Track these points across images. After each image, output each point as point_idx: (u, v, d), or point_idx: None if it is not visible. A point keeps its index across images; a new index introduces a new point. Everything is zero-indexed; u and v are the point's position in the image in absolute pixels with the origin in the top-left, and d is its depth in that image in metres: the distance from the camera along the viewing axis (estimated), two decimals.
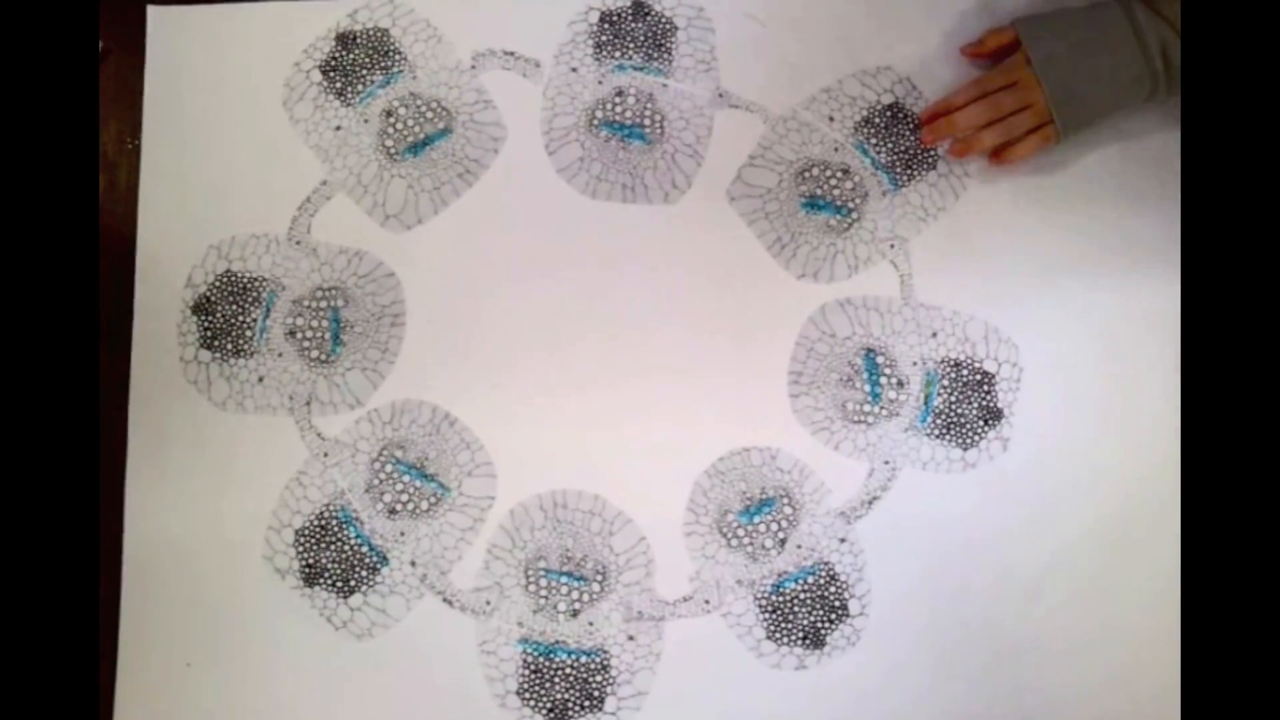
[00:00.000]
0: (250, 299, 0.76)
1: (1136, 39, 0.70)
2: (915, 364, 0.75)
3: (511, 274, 0.76)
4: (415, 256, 0.76)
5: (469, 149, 0.77)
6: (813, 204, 0.77)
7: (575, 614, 0.72)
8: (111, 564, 0.72)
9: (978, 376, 0.74)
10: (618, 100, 0.78)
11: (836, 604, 0.72)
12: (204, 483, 0.73)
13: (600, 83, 0.78)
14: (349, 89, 0.78)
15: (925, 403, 0.74)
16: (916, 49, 0.78)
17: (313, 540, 0.73)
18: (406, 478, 0.74)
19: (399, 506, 0.73)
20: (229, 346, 0.75)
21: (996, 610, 0.72)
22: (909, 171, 0.77)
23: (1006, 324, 0.75)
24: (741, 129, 0.78)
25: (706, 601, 0.72)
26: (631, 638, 0.72)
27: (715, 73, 0.78)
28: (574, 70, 0.78)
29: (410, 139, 0.77)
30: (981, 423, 0.74)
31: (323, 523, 0.73)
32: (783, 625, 0.72)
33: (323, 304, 0.76)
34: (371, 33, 0.79)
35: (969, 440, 0.74)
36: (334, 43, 0.79)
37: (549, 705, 0.71)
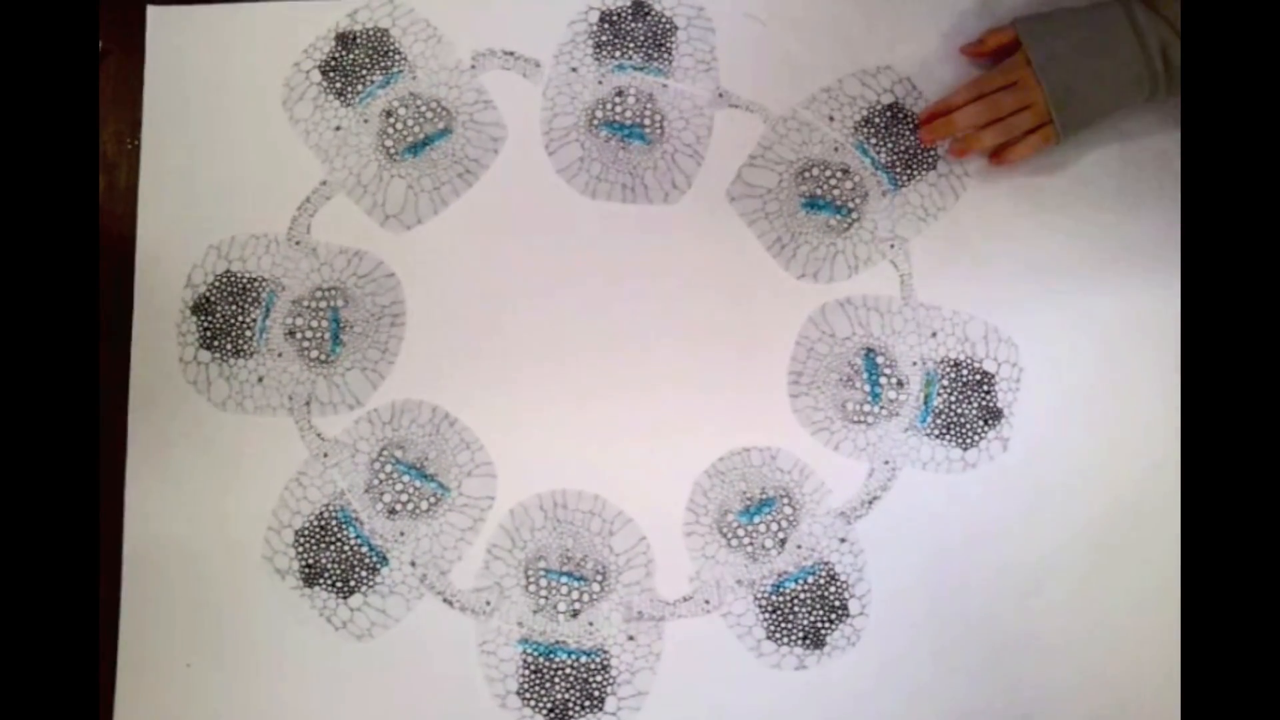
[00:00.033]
0: (250, 299, 0.76)
1: (1137, 39, 0.70)
2: (915, 364, 0.75)
3: (511, 274, 0.76)
4: (415, 257, 0.76)
5: (469, 149, 0.77)
6: (813, 204, 0.77)
7: (575, 614, 0.72)
8: (111, 564, 0.72)
9: (977, 376, 0.74)
10: (618, 100, 0.78)
11: (836, 604, 0.72)
12: (204, 483, 0.73)
13: (600, 83, 0.78)
14: (349, 89, 0.78)
15: (925, 403, 0.74)
16: (916, 49, 0.78)
17: (312, 540, 0.73)
18: (406, 478, 0.74)
19: (399, 507, 0.73)
20: (229, 347, 0.75)
21: (996, 609, 0.72)
22: (909, 171, 0.77)
23: (1006, 324, 0.75)
24: (741, 129, 0.78)
25: (706, 601, 0.72)
26: (631, 638, 0.72)
27: (715, 73, 0.78)
28: (574, 70, 0.78)
29: (410, 139, 0.77)
30: (981, 423, 0.74)
31: (322, 523, 0.73)
32: (783, 625, 0.72)
33: (322, 304, 0.76)
34: (371, 33, 0.79)
35: (969, 440, 0.74)
36: (334, 43, 0.79)
37: (549, 705, 0.71)
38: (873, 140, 0.77)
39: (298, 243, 0.76)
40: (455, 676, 0.71)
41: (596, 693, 0.71)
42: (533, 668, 0.71)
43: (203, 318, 0.75)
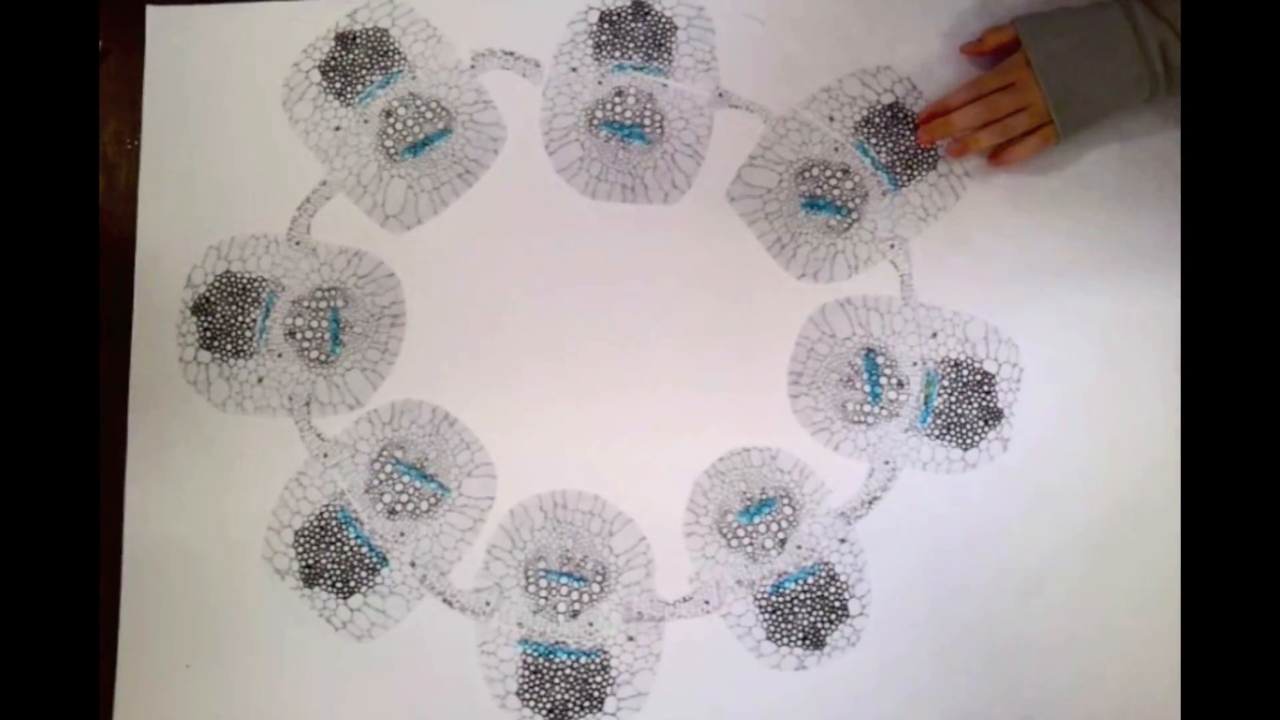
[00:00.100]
0: (250, 299, 0.76)
1: (1136, 40, 0.70)
2: (915, 364, 0.75)
3: (511, 274, 0.76)
4: (415, 257, 0.76)
5: (469, 149, 0.77)
6: (813, 204, 0.77)
7: (575, 614, 0.72)
8: (111, 564, 0.72)
9: (978, 377, 0.74)
10: (618, 100, 0.78)
11: (836, 604, 0.72)
12: (204, 483, 0.73)
13: (600, 83, 0.78)
14: (349, 89, 0.78)
15: (925, 403, 0.74)
16: (917, 49, 0.78)
17: (312, 541, 0.73)
18: (406, 478, 0.74)
19: (399, 507, 0.73)
20: (228, 347, 0.75)
21: (996, 610, 0.72)
22: (909, 171, 0.77)
23: (1006, 324, 0.75)
24: (741, 129, 0.78)
25: (706, 602, 0.72)
26: (631, 638, 0.72)
27: (715, 73, 0.78)
28: (574, 70, 0.78)
29: (410, 139, 0.77)
30: (981, 423, 0.74)
31: (322, 523, 0.73)
32: (783, 626, 0.72)
33: (322, 304, 0.76)
34: (371, 33, 0.79)
35: (969, 440, 0.74)
36: (333, 43, 0.79)
37: (549, 706, 0.71)
38: (873, 140, 0.77)
39: (298, 243, 0.76)
40: (455, 677, 0.71)
41: (596, 693, 0.71)
42: (532, 668, 0.71)
43: (203, 318, 0.75)
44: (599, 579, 0.72)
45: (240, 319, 0.75)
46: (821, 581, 0.72)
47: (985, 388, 0.74)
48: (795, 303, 0.75)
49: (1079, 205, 0.76)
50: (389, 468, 0.74)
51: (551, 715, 0.71)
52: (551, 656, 0.71)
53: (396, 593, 0.72)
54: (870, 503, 0.73)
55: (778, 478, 0.73)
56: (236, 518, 0.73)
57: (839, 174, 0.77)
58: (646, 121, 0.78)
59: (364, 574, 0.73)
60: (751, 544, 0.73)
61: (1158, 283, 0.74)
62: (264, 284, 0.76)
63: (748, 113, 0.78)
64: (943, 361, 0.75)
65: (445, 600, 0.72)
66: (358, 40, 0.79)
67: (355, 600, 0.72)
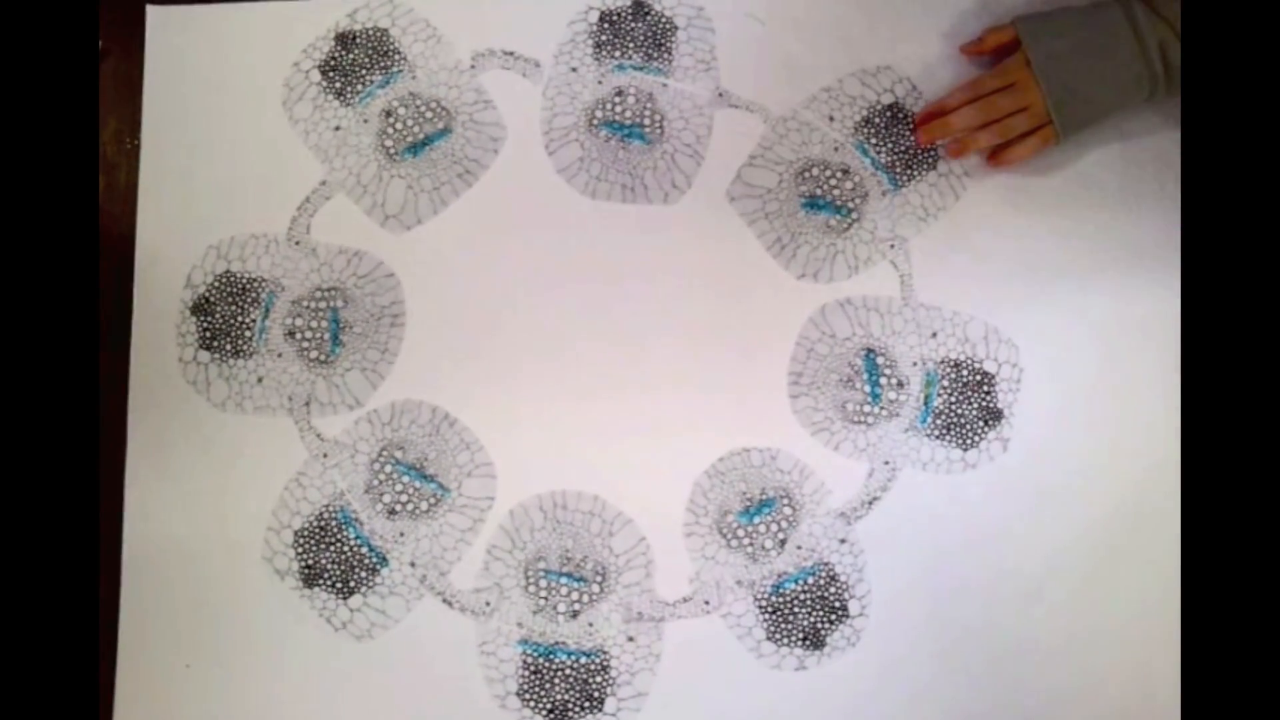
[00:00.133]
0: (249, 299, 0.76)
1: (1136, 40, 0.70)
2: (915, 364, 0.75)
3: (511, 274, 0.76)
4: (415, 257, 0.76)
5: (469, 149, 0.77)
6: (813, 204, 0.77)
7: (575, 615, 0.72)
8: (111, 564, 0.72)
9: (978, 377, 0.74)
10: (618, 100, 0.78)
11: (836, 605, 0.72)
12: (203, 483, 0.73)
13: (600, 82, 0.78)
14: (348, 89, 0.78)
15: (925, 403, 0.74)
16: (917, 48, 0.78)
17: (312, 541, 0.73)
18: (406, 478, 0.74)
19: (399, 507, 0.73)
20: (228, 347, 0.75)
21: (996, 610, 0.72)
22: (909, 171, 0.77)
23: (1006, 324, 0.75)
24: (741, 129, 0.78)
25: (706, 602, 0.72)
26: (631, 639, 0.72)
27: (715, 72, 0.78)
28: (574, 70, 0.78)
29: (410, 139, 0.77)
30: (981, 423, 0.74)
31: (322, 523, 0.73)
32: (783, 626, 0.72)
33: (322, 304, 0.76)
34: (371, 32, 0.79)
35: (969, 441, 0.74)
36: (333, 42, 0.79)
37: (549, 706, 0.71)
38: (873, 140, 0.77)
39: (297, 243, 0.76)
40: (455, 677, 0.71)
41: (596, 693, 0.71)
42: (532, 668, 0.71)
43: (202, 318, 0.75)
44: (599, 579, 0.72)
45: (240, 319, 0.75)
46: (821, 582, 0.72)
47: (985, 388, 0.74)
48: (795, 303, 0.75)
49: (1079, 205, 0.76)
50: (389, 468, 0.74)
51: (551, 715, 0.71)
52: (551, 657, 0.71)
53: (396, 593, 0.72)
54: (870, 503, 0.73)
55: (778, 478, 0.73)
56: (236, 518, 0.73)
57: (839, 174, 0.77)
58: (646, 121, 0.78)
59: (364, 574, 0.73)
60: (751, 544, 0.73)
61: (1158, 283, 0.74)
62: (264, 284, 0.76)
63: (748, 113, 0.78)
64: (943, 362, 0.75)
65: (445, 600, 0.72)
66: (358, 40, 0.79)
67: (355, 600, 0.72)
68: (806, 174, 0.77)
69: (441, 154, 0.77)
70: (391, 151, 0.77)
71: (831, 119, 0.78)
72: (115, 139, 0.77)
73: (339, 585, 0.72)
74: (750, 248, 0.76)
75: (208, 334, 0.75)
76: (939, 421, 0.74)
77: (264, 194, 0.77)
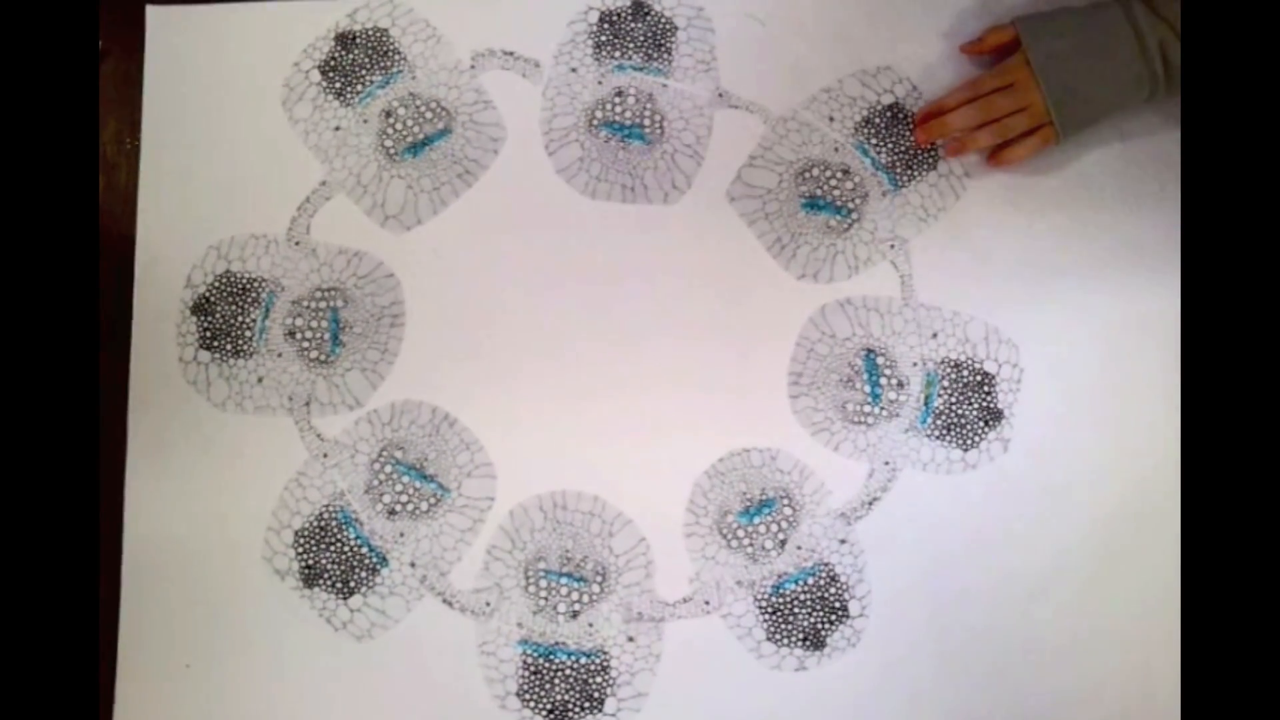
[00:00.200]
0: (249, 299, 0.76)
1: (1137, 40, 0.70)
2: (915, 365, 0.75)
3: (511, 274, 0.76)
4: (415, 257, 0.76)
5: (469, 149, 0.77)
6: (813, 204, 0.77)
7: (575, 615, 0.72)
8: (111, 564, 0.72)
9: (978, 377, 0.74)
10: (617, 100, 0.78)
11: (837, 605, 0.72)
12: (203, 483, 0.73)
13: (600, 83, 0.78)
14: (348, 89, 0.78)
15: (925, 403, 0.74)
16: (917, 49, 0.78)
17: (312, 541, 0.73)
18: (406, 478, 0.74)
19: (399, 507, 0.73)
20: (228, 347, 0.75)
21: (997, 611, 0.72)
22: (909, 172, 0.77)
23: (1007, 325, 0.75)
24: (741, 129, 0.78)
25: (706, 603, 0.72)
26: (631, 639, 0.72)
27: (715, 73, 0.78)
28: (574, 70, 0.78)
29: (410, 139, 0.77)
30: (982, 423, 0.74)
31: (322, 523, 0.73)
32: (783, 626, 0.72)
33: (322, 304, 0.76)
34: (371, 33, 0.79)
35: (969, 441, 0.74)
36: (333, 43, 0.79)
37: (549, 706, 0.71)
38: (873, 141, 0.77)
39: (297, 243, 0.76)
40: (455, 677, 0.71)
41: (596, 694, 0.71)
42: (532, 669, 0.71)
43: (202, 318, 0.75)
44: (599, 579, 0.72)
45: (240, 319, 0.75)
46: (822, 582, 0.72)
47: (985, 388, 0.74)
48: (795, 303, 0.75)
49: (1080, 205, 0.76)
50: (389, 468, 0.74)
51: (551, 716, 0.71)
52: (551, 657, 0.71)
53: (396, 593, 0.72)
54: (870, 503, 0.73)
55: (778, 478, 0.73)
56: (236, 518, 0.73)
57: (839, 174, 0.77)
58: (646, 122, 0.78)
59: (364, 574, 0.73)
60: (751, 545, 0.73)
61: (1158, 283, 0.74)
62: (264, 284, 0.76)
63: (748, 113, 0.78)
64: (943, 362, 0.75)
65: (445, 601, 0.72)
66: (358, 40, 0.79)
67: (355, 600, 0.72)
68: (806, 174, 0.77)
69: (441, 154, 0.77)
70: (391, 152, 0.77)
71: (831, 119, 0.78)
72: (115, 139, 0.77)
73: (339, 585, 0.72)
74: (750, 248, 0.76)
75: (208, 334, 0.75)
76: (939, 422, 0.74)
77: (264, 194, 0.77)
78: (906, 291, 0.75)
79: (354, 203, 0.77)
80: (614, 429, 0.74)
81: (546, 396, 0.74)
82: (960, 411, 0.74)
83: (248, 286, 0.76)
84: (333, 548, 0.73)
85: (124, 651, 0.71)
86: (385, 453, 0.74)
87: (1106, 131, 0.76)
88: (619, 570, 0.72)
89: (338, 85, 0.78)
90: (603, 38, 0.79)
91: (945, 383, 0.74)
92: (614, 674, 0.71)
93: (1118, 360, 0.74)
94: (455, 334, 0.75)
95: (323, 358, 0.75)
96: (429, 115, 0.78)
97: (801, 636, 0.71)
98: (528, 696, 0.71)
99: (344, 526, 0.73)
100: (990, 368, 0.74)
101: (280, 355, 0.75)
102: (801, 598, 0.72)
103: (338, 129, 0.78)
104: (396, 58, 0.79)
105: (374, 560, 0.73)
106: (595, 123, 0.78)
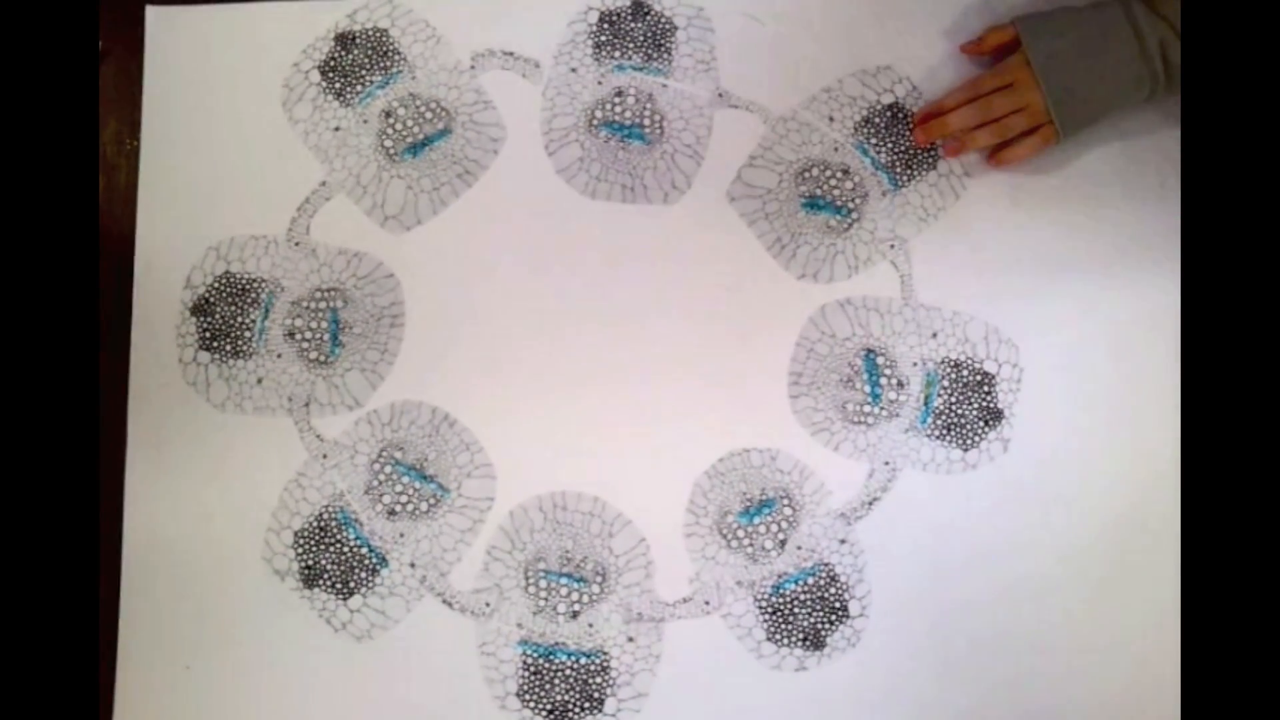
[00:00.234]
0: (249, 300, 0.76)
1: (1136, 39, 0.70)
2: (915, 365, 0.75)
3: (511, 275, 0.76)
4: (415, 258, 0.76)
5: (468, 149, 0.77)
6: (813, 204, 0.77)
7: (575, 615, 0.72)
8: (111, 564, 0.72)
9: (978, 377, 0.74)
10: (617, 100, 0.78)
11: (837, 605, 0.72)
12: (203, 484, 0.73)
13: (600, 83, 0.78)
14: (348, 89, 0.78)
15: (925, 403, 0.74)
16: (917, 49, 0.78)
17: (312, 542, 0.73)
18: (406, 479, 0.74)
19: (398, 508, 0.73)
20: (228, 348, 0.75)
21: (997, 611, 0.72)
22: (909, 171, 0.77)
23: (1007, 324, 0.75)
24: (741, 129, 0.78)
25: (706, 603, 0.72)
26: (631, 639, 0.72)
27: (715, 73, 0.78)
28: (573, 70, 0.78)
29: (410, 139, 0.77)
30: (982, 423, 0.74)
31: (322, 524, 0.73)
32: (783, 627, 0.72)
33: (322, 305, 0.76)
34: (370, 33, 0.79)
35: (969, 441, 0.74)
36: (333, 43, 0.79)
37: (549, 707, 0.71)
38: (873, 140, 0.77)
39: (297, 244, 0.76)
40: (455, 678, 0.71)
41: (596, 694, 0.71)
42: (532, 669, 0.71)
43: (202, 319, 0.75)
44: (599, 580, 0.72)
45: (239, 320, 0.75)
46: (822, 582, 0.72)
47: (985, 388, 0.74)
48: (795, 303, 0.75)
49: (1080, 204, 0.76)
50: (388, 468, 0.74)
51: (551, 716, 0.71)
52: (551, 657, 0.71)
53: (396, 594, 0.72)
54: (870, 503, 0.73)
55: (778, 478, 0.73)
56: (236, 519, 0.73)
57: (839, 174, 0.77)
58: (646, 122, 0.78)
59: (364, 575, 0.72)
60: (751, 545, 0.73)
61: (1159, 282, 0.74)
62: (263, 285, 0.76)
63: (748, 113, 0.78)
64: (943, 362, 0.75)
65: (445, 601, 0.72)
66: (357, 41, 0.79)
67: (355, 601, 0.72)
68: (806, 174, 0.77)
69: (441, 154, 0.77)
70: (391, 152, 0.77)
71: (831, 119, 0.78)
72: (115, 139, 0.77)
73: (339, 586, 0.72)
74: (750, 248, 0.76)
75: (207, 335, 0.75)
76: (939, 422, 0.74)
77: (264, 195, 0.77)
78: (906, 291, 0.75)
79: (354, 203, 0.77)
80: (614, 427, 0.74)
81: (546, 396, 0.74)
82: (960, 411, 0.74)
83: (247, 287, 0.76)
84: (332, 548, 0.73)
85: (124, 651, 0.71)
86: (385, 453, 0.74)
87: (1106, 130, 0.76)
88: (619, 570, 0.72)
89: (338, 85, 0.78)
90: (602, 38, 0.79)
91: (945, 383, 0.74)
92: (614, 674, 0.71)
93: (1118, 359, 0.74)
94: (455, 334, 0.75)
95: (322, 358, 0.75)
96: (429, 115, 0.78)
97: (801, 637, 0.71)
98: (528, 697, 0.71)
99: (344, 527, 0.73)
100: (990, 367, 0.74)
101: (280, 356, 0.75)
102: (801, 598, 0.72)
103: (337, 129, 0.78)
104: (396, 58, 0.79)
105: (374, 561, 0.73)
106: (595, 123, 0.78)
